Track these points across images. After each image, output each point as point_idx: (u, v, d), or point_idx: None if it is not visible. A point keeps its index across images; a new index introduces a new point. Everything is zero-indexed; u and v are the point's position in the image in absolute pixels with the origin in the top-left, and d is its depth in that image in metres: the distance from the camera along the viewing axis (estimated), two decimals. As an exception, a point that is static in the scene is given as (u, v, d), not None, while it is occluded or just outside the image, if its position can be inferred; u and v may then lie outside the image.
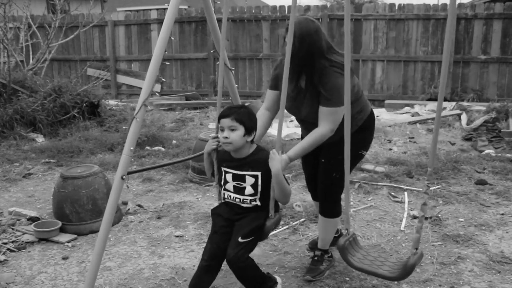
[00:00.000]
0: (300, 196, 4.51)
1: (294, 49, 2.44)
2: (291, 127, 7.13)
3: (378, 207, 4.27)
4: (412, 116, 8.10)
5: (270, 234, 3.06)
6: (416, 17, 9.44)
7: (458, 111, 7.91)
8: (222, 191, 2.63)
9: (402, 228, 3.80)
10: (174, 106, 9.35)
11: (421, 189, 4.49)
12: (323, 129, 2.69)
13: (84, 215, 3.81)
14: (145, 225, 3.99)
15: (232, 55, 10.08)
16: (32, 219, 3.97)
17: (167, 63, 10.54)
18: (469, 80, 9.40)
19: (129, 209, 4.27)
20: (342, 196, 2.93)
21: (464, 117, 7.54)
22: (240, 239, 2.49)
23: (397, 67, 9.72)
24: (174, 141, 6.50)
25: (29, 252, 3.54)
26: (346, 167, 2.35)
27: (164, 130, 7.05)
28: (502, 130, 6.49)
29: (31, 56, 8.89)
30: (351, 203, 4.29)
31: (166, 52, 2.76)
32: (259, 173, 2.49)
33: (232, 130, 2.45)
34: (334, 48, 2.76)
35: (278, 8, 10.18)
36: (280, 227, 3.83)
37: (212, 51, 7.65)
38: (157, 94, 10.48)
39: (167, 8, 2.69)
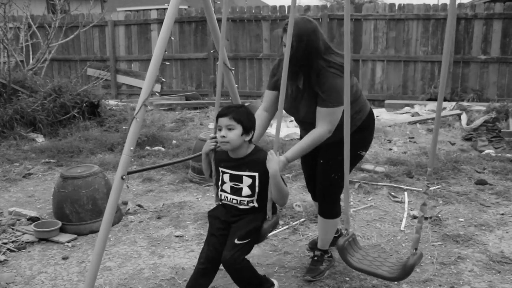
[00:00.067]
0: (300, 196, 4.51)
1: (291, 49, 2.43)
2: (291, 127, 7.12)
3: (378, 207, 4.27)
4: (412, 116, 8.10)
5: (269, 235, 3.06)
6: (416, 17, 9.44)
7: (458, 111, 7.91)
8: (219, 192, 2.61)
9: (402, 228, 3.80)
10: (174, 106, 9.35)
11: (421, 189, 4.49)
12: (321, 130, 2.69)
13: (84, 215, 3.81)
14: (145, 225, 3.99)
15: (232, 55, 10.08)
16: (32, 219, 3.97)
17: (167, 63, 10.54)
18: (469, 80, 9.40)
19: (129, 209, 4.27)
20: (342, 196, 2.93)
21: (464, 117, 7.54)
22: (236, 241, 2.47)
23: (397, 67, 9.72)
24: (174, 141, 6.51)
25: (29, 252, 3.54)
26: (346, 167, 2.35)
27: (164, 130, 7.05)
28: (502, 130, 6.49)
29: (31, 56, 8.89)
30: (351, 203, 4.29)
31: (166, 52, 2.76)
32: (256, 174, 2.48)
33: (230, 129, 2.44)
34: (332, 48, 2.75)
35: (278, 8, 10.18)
36: (280, 227, 3.83)
37: (212, 51, 7.67)
38: (157, 94, 10.48)
39: (167, 8, 2.69)
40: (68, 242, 3.66)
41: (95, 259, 2.64)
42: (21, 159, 5.84)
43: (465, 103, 8.42)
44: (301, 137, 2.99)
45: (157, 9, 11.18)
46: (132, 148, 2.60)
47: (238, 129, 2.44)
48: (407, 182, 4.85)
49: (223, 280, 3.01)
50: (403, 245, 3.54)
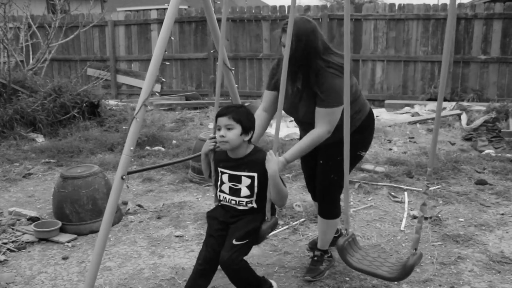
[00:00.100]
0: (300, 196, 4.51)
1: (290, 49, 2.43)
2: (291, 127, 7.12)
3: (378, 207, 4.27)
4: (412, 116, 8.10)
5: (269, 235, 3.05)
6: (416, 17, 9.44)
7: (458, 111, 7.91)
8: (218, 193, 2.61)
9: (402, 228, 3.80)
10: (174, 106, 9.35)
11: (421, 189, 4.49)
12: (320, 130, 2.68)
13: (84, 215, 3.81)
14: (145, 225, 3.99)
15: (232, 55, 10.08)
16: (32, 219, 3.97)
17: (167, 63, 10.54)
18: (469, 80, 9.40)
19: (129, 209, 4.27)
20: (342, 196, 2.93)
21: (464, 117, 7.54)
22: (234, 242, 2.46)
23: (397, 67, 9.72)
24: (174, 141, 6.51)
25: (29, 252, 3.54)
26: (346, 167, 2.35)
27: (164, 130, 7.05)
28: (502, 130, 6.49)
29: (31, 56, 8.89)
30: (351, 203, 4.29)
31: (166, 52, 2.76)
32: (255, 174, 2.47)
33: (229, 129, 2.43)
34: (331, 48, 2.75)
35: (278, 8, 10.18)
36: (280, 227, 3.83)
37: (212, 51, 7.67)
38: (157, 94, 10.48)
39: (167, 8, 2.69)
40: (68, 242, 3.66)
41: (95, 259, 2.64)
42: (21, 159, 5.84)
43: (465, 103, 8.42)
44: (301, 137, 2.98)
45: (157, 9, 11.18)
46: (132, 148, 2.60)
47: (237, 129, 2.43)
48: (407, 182, 4.85)
49: (223, 281, 3.01)
50: (403, 245, 3.54)
